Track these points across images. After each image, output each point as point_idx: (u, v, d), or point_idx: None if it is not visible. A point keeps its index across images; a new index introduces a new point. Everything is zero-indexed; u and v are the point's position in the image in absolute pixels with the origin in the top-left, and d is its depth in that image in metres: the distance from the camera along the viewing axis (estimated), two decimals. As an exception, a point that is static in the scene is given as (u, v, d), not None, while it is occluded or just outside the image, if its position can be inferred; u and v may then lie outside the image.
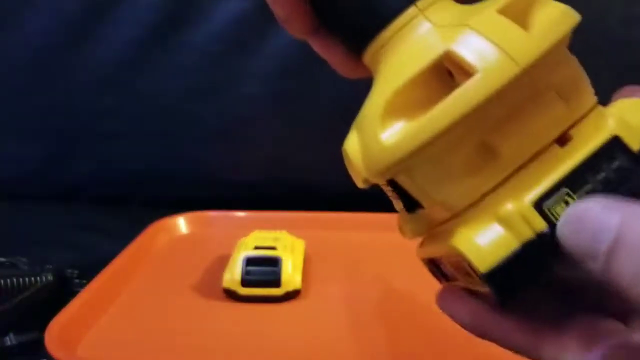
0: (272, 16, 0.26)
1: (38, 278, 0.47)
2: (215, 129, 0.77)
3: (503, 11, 0.21)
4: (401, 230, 0.26)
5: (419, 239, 0.26)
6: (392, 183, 0.23)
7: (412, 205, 0.24)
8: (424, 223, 0.24)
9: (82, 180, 0.81)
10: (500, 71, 0.20)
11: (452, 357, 0.43)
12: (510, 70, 0.20)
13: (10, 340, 0.44)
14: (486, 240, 0.21)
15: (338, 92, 0.73)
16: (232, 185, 0.78)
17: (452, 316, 0.25)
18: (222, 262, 0.53)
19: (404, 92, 0.22)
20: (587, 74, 0.23)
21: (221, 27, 0.75)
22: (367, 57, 0.25)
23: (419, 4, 0.23)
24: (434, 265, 0.26)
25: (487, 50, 0.20)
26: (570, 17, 0.22)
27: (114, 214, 0.75)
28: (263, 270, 0.50)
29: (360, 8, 0.24)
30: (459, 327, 0.24)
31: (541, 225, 0.21)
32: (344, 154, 0.24)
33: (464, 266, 0.22)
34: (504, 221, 0.21)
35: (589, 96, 0.23)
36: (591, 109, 0.23)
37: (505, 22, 0.21)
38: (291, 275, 0.50)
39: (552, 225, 0.21)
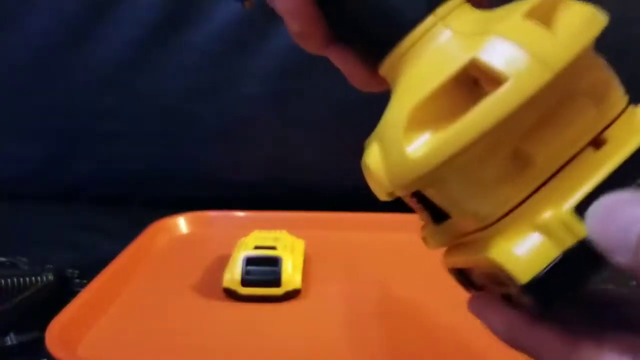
0: (272, 16, 0.26)
1: (38, 278, 0.47)
2: (215, 129, 0.77)
3: (529, 15, 0.21)
4: (425, 240, 0.26)
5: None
6: (418, 195, 0.23)
7: (438, 216, 0.23)
8: (452, 233, 0.24)
9: (82, 180, 0.81)
10: (532, 77, 0.19)
11: (451, 357, 0.43)
12: (543, 76, 0.19)
13: (10, 340, 0.44)
14: (525, 251, 0.20)
15: (338, 92, 0.73)
16: (232, 185, 0.78)
17: (485, 324, 0.25)
18: (222, 262, 0.53)
19: (429, 102, 0.21)
20: None
21: (221, 27, 0.75)
22: (385, 68, 0.24)
23: (437, 12, 0.22)
24: (462, 275, 0.26)
25: (516, 56, 0.20)
26: (598, 18, 0.21)
27: (114, 214, 0.75)
28: (263, 270, 0.50)
29: (377, 18, 0.24)
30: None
31: (583, 231, 0.20)
32: (364, 167, 0.24)
33: (498, 276, 0.22)
34: (543, 229, 0.20)
35: (620, 96, 0.22)
36: (623, 110, 0.22)
37: (532, 27, 0.20)
38: (291, 275, 0.50)
39: None
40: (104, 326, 0.46)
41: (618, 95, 0.22)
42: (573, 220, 0.20)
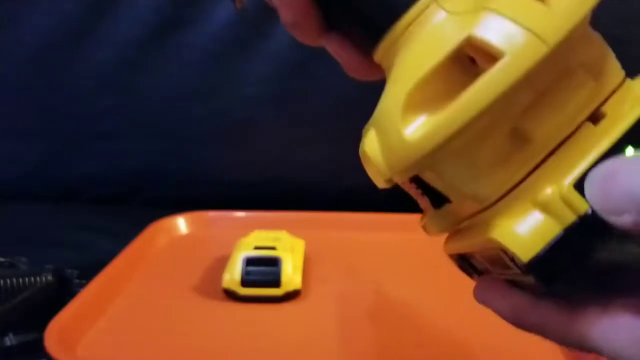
0: (272, 16, 0.26)
1: (38, 278, 0.47)
2: (215, 129, 0.77)
3: None
4: (425, 227, 0.25)
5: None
6: (417, 180, 0.22)
7: (438, 201, 0.23)
8: (452, 218, 0.23)
9: (82, 180, 0.81)
10: (528, 52, 0.19)
11: (452, 356, 0.43)
12: (540, 51, 0.19)
13: (10, 340, 0.44)
14: (527, 229, 0.20)
15: (338, 92, 0.73)
16: (232, 185, 0.78)
17: (491, 308, 0.24)
18: (222, 262, 0.53)
19: (425, 84, 0.21)
20: None
21: (221, 27, 0.75)
22: (380, 54, 0.24)
23: None
24: (463, 260, 0.25)
25: (512, 32, 0.19)
26: None
27: (114, 214, 0.75)
28: (263, 270, 0.50)
29: (370, 3, 0.23)
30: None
31: (584, 206, 0.20)
32: (362, 155, 0.23)
33: (501, 258, 0.21)
34: (544, 206, 0.20)
35: (617, 71, 0.22)
36: (620, 84, 0.22)
37: (527, 1, 0.20)
38: (291, 275, 0.50)
39: None
40: (103, 327, 0.46)
41: (615, 68, 0.22)
42: (573, 195, 0.20)
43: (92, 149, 0.80)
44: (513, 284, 0.23)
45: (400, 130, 0.21)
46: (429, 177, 0.22)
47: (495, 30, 0.20)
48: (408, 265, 0.57)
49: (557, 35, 0.19)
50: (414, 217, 0.26)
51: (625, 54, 0.23)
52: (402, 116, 0.21)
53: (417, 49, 0.22)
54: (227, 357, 0.43)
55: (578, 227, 0.20)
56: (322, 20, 0.26)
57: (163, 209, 0.68)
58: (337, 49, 0.26)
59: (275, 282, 0.50)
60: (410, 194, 0.24)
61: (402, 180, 0.23)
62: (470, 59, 0.21)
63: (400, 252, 0.60)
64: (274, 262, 0.50)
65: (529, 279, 0.21)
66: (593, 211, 0.20)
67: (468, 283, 0.26)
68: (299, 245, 0.57)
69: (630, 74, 0.23)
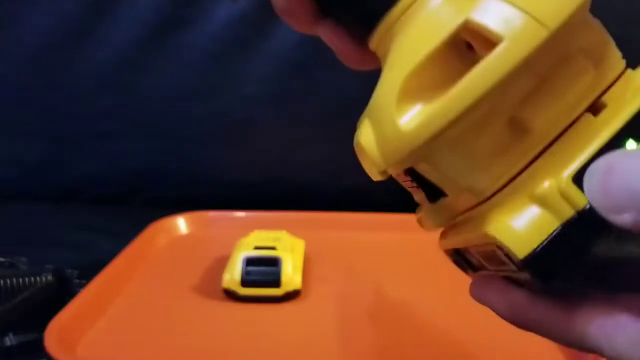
0: (272, 16, 0.26)
1: (38, 278, 0.47)
2: (215, 129, 0.77)
3: None
4: (420, 222, 0.25)
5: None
6: (411, 172, 0.22)
7: (433, 194, 0.22)
8: (448, 212, 0.23)
9: (82, 180, 0.81)
10: (528, 37, 0.18)
11: (452, 356, 0.43)
12: (539, 35, 0.18)
13: (10, 340, 0.44)
14: (522, 224, 0.19)
15: (338, 92, 0.73)
16: (232, 185, 0.78)
17: (488, 306, 0.24)
18: (222, 262, 0.53)
19: (420, 71, 0.20)
20: None
21: (221, 27, 0.75)
22: (375, 42, 0.23)
23: None
24: (459, 256, 0.25)
25: (511, 15, 0.19)
26: None
27: (114, 214, 0.75)
28: (263, 270, 0.50)
29: None
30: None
31: (582, 201, 0.19)
32: (356, 147, 0.23)
33: (496, 254, 0.21)
34: (541, 201, 0.19)
35: (618, 60, 0.21)
36: (621, 74, 0.21)
37: None
38: (291, 275, 0.50)
39: None
40: (103, 327, 0.46)
41: (616, 57, 0.21)
42: (572, 189, 0.19)
43: (92, 149, 0.80)
44: (510, 280, 0.23)
45: (395, 119, 0.20)
46: (424, 169, 0.21)
47: (493, 14, 0.19)
48: (408, 265, 0.57)
49: (557, 19, 0.19)
50: (414, 217, 0.26)
51: (627, 54, 0.22)
52: (397, 105, 0.20)
53: (413, 35, 0.21)
54: (227, 357, 0.43)
55: (576, 222, 0.19)
56: (316, 7, 0.25)
57: (163, 209, 0.68)
58: (331, 37, 0.25)
59: (275, 282, 0.50)
60: (405, 187, 0.24)
61: (396, 172, 0.22)
62: (467, 45, 0.20)
63: (400, 252, 0.60)
64: (274, 262, 0.50)
65: (525, 276, 0.21)
66: (592, 206, 0.19)
67: (468, 283, 0.26)
68: (299, 245, 0.57)
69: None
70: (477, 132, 0.20)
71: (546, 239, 0.19)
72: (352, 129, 0.24)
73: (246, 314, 0.48)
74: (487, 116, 0.20)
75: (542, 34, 0.19)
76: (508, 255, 0.20)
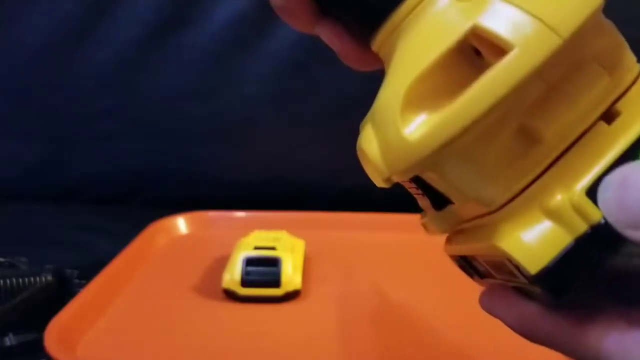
0: (272, 16, 0.25)
1: (38, 278, 0.47)
2: (215, 129, 0.77)
3: None
4: (425, 226, 0.24)
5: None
6: (417, 180, 0.21)
7: (439, 202, 0.22)
8: (454, 219, 0.22)
9: (81, 180, 0.81)
10: (540, 44, 0.18)
11: (452, 356, 0.43)
12: (552, 43, 0.18)
13: (9, 340, 0.44)
14: (535, 238, 0.19)
15: (338, 92, 0.73)
16: (232, 185, 0.78)
17: (498, 318, 0.23)
18: (222, 262, 0.53)
19: (426, 78, 0.19)
20: None
21: (221, 27, 0.75)
22: (377, 44, 0.22)
23: None
24: (465, 262, 0.24)
25: (522, 22, 0.18)
26: None
27: (114, 214, 0.75)
28: (263, 270, 0.50)
29: None
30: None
31: (596, 215, 0.18)
32: (359, 152, 0.22)
33: (505, 265, 0.20)
34: (554, 214, 0.19)
35: (633, 64, 0.21)
36: (636, 78, 0.20)
37: None
38: (291, 275, 0.50)
39: None
40: (103, 327, 0.46)
41: (631, 61, 0.21)
42: (585, 203, 0.18)
43: (92, 149, 0.80)
44: (519, 291, 0.22)
45: (400, 128, 0.19)
46: (430, 178, 0.21)
47: (503, 20, 0.18)
48: (408, 265, 0.57)
49: (571, 27, 0.18)
50: (414, 217, 0.26)
51: (634, 54, 0.22)
52: (401, 113, 0.19)
53: (418, 39, 0.20)
54: (227, 357, 0.43)
55: (590, 237, 0.18)
56: (315, 5, 0.24)
57: (163, 209, 0.68)
58: (331, 38, 0.24)
59: (275, 282, 0.50)
60: (410, 193, 0.23)
61: (401, 180, 0.22)
62: (474, 50, 0.20)
63: (400, 252, 0.60)
64: (274, 262, 0.50)
65: (536, 289, 0.20)
66: (606, 221, 0.18)
67: (468, 283, 0.26)
68: (299, 245, 0.57)
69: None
70: (486, 142, 0.19)
71: (559, 254, 0.19)
72: (352, 129, 0.23)
73: (246, 314, 0.48)
74: (496, 125, 0.19)
75: (555, 42, 0.18)
76: (518, 268, 0.20)
